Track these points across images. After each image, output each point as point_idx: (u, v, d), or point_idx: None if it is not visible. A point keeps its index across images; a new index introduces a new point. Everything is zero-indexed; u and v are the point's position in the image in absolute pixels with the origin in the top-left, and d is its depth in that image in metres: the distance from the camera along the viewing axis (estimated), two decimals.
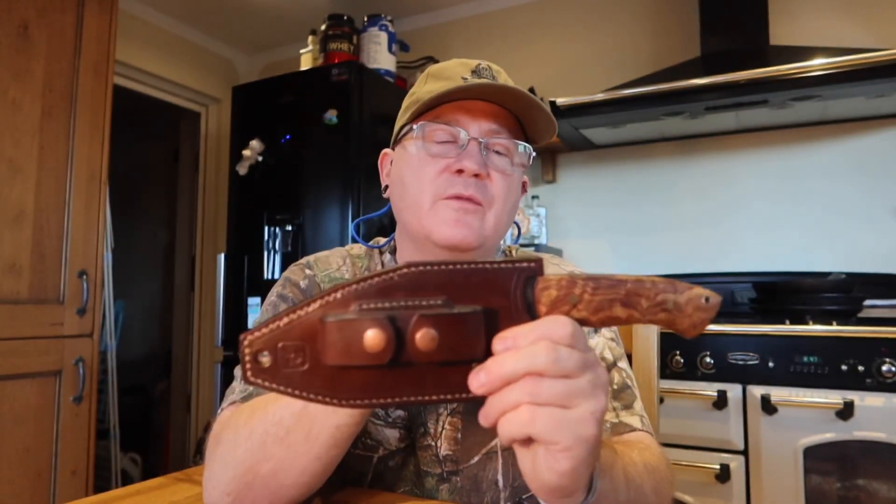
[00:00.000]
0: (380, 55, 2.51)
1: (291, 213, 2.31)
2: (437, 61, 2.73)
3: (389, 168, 0.78)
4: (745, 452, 1.61)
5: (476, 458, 0.68)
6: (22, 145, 1.79)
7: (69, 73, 1.92)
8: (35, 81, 1.83)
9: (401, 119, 0.76)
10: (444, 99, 0.69)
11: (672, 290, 0.38)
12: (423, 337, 0.35)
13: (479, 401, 0.37)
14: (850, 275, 1.94)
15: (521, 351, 0.36)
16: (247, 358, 0.36)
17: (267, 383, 0.37)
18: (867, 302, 1.77)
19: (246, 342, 0.36)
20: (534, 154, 0.74)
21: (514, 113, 0.72)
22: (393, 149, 0.78)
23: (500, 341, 0.36)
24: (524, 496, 0.67)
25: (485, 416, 0.37)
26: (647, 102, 1.94)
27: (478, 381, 0.36)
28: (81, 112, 1.94)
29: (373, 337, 0.35)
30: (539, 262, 0.38)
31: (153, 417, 3.42)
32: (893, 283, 1.96)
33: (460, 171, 0.68)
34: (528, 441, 0.37)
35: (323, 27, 2.52)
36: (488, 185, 0.69)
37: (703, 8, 2.14)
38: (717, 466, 1.60)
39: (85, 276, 1.92)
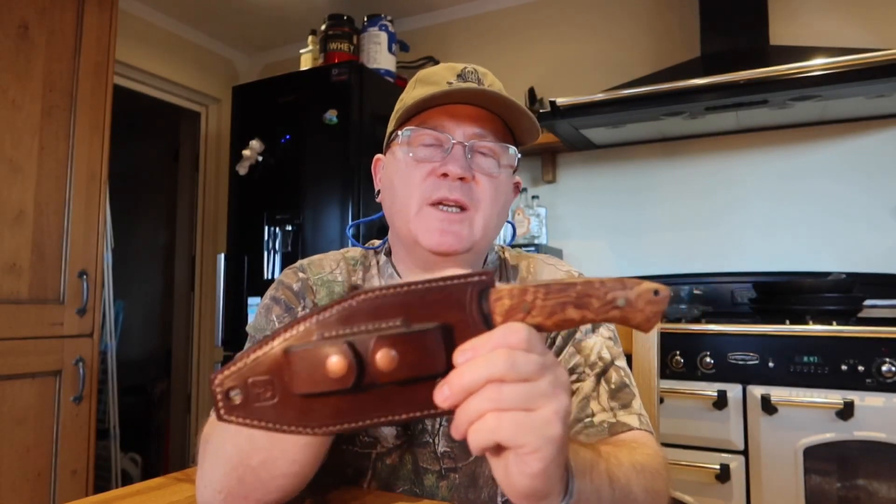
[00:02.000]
0: (380, 55, 2.51)
1: (291, 213, 2.31)
2: (437, 61, 2.74)
3: (382, 173, 0.80)
4: (745, 452, 1.61)
5: (473, 455, 0.68)
6: (22, 145, 1.79)
7: (69, 73, 1.92)
8: (35, 81, 1.83)
9: (390, 125, 0.78)
10: (428, 104, 0.70)
11: (621, 287, 0.39)
12: (382, 357, 0.36)
13: (450, 414, 0.38)
14: (850, 275, 1.94)
15: (479, 360, 0.36)
16: (218, 396, 0.38)
17: (240, 419, 0.38)
18: (867, 302, 1.77)
19: (216, 381, 0.38)
20: (519, 156, 0.75)
21: (500, 115, 0.73)
22: (384, 154, 0.80)
23: (461, 354, 0.37)
24: None
25: (456, 429, 0.38)
26: (647, 102, 1.94)
27: (442, 395, 0.37)
28: (81, 112, 1.94)
29: (335, 363, 0.36)
30: (489, 274, 0.39)
31: (153, 417, 3.41)
32: (893, 283, 1.96)
33: (445, 175, 0.69)
34: (498, 449, 0.38)
35: (323, 27, 2.52)
36: (474, 187, 0.70)
37: (703, 8, 2.14)
38: (717, 466, 1.60)
39: (85, 276, 1.92)
